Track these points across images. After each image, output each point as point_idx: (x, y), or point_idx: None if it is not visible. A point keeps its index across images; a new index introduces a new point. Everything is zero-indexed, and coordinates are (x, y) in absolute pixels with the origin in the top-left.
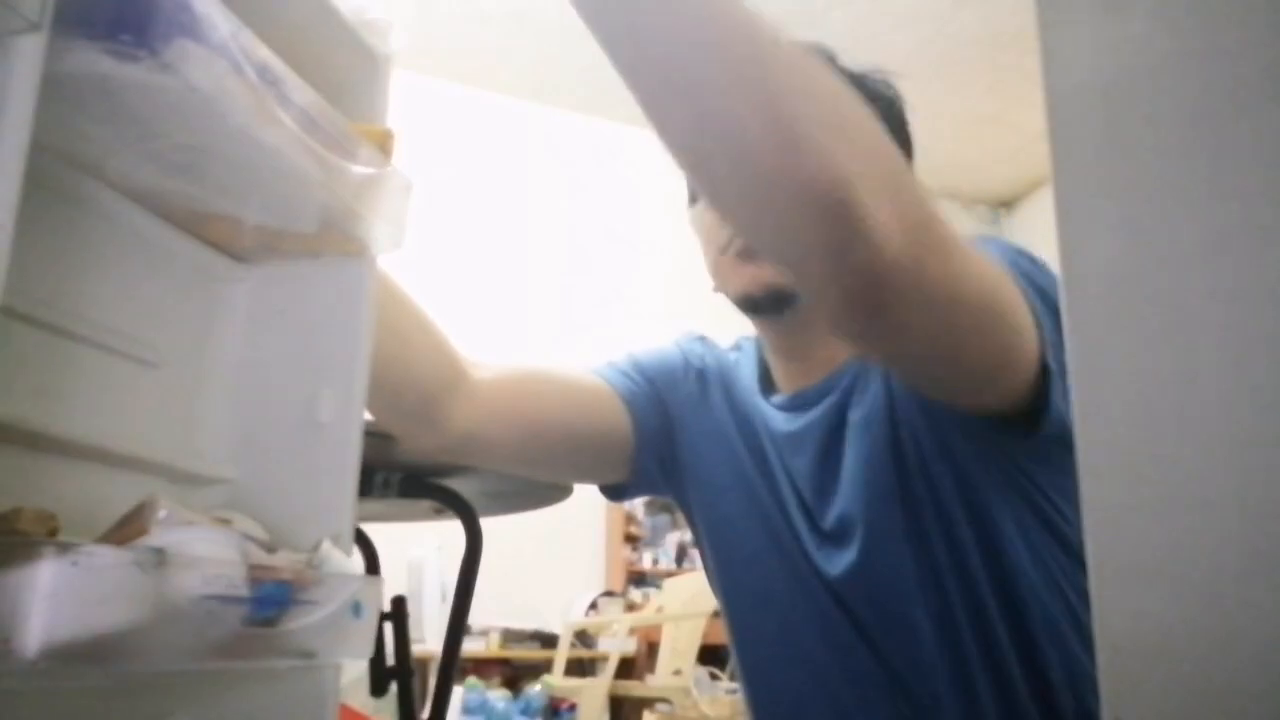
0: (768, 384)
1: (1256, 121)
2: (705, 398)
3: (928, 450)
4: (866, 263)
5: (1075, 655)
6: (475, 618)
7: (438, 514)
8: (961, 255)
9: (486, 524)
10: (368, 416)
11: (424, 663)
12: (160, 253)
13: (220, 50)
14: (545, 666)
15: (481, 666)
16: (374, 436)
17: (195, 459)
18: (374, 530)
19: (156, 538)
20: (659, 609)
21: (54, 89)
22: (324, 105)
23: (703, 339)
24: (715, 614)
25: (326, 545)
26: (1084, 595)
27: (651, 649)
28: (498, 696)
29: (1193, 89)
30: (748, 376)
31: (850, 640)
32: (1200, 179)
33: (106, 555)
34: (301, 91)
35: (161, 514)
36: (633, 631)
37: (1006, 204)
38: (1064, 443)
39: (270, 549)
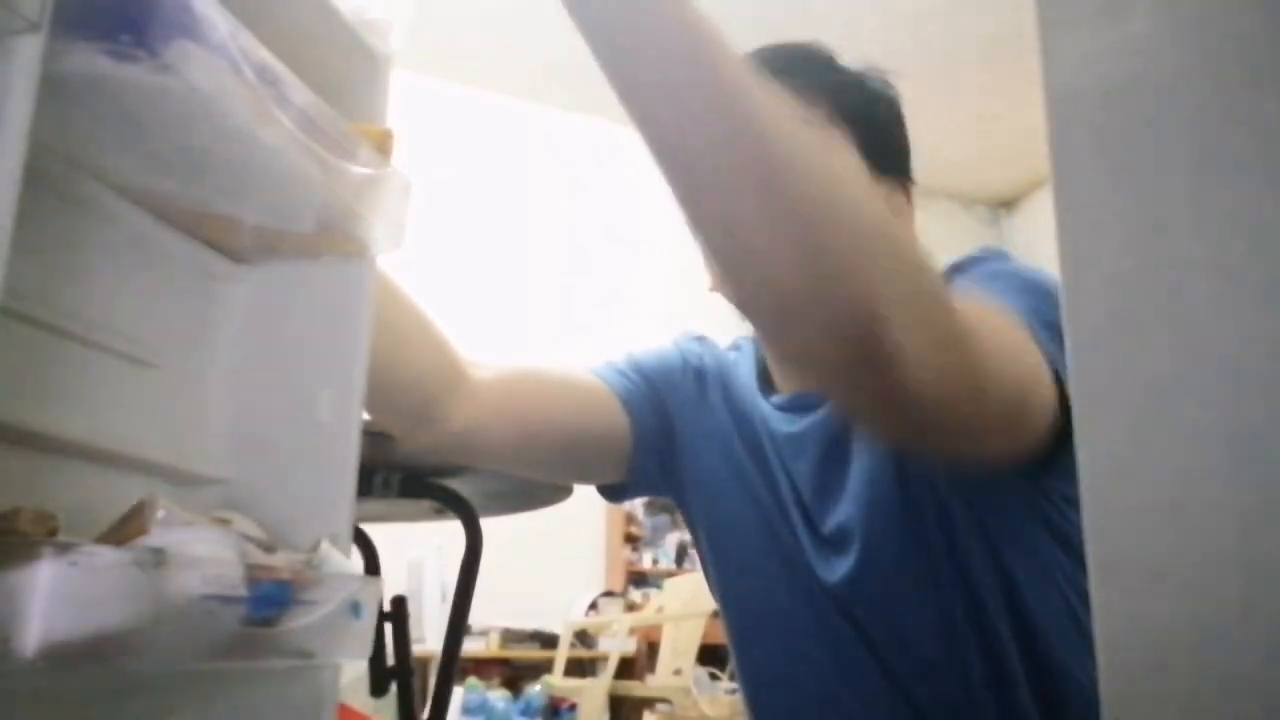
0: (767, 384)
1: (1255, 121)
2: (703, 398)
3: (891, 488)
4: (897, 388)
5: (1078, 657)
6: (475, 618)
7: (438, 514)
8: (992, 360)
9: (486, 524)
10: (366, 416)
11: (424, 663)
12: (159, 253)
13: (219, 51)
14: (545, 666)
15: (481, 666)
16: (373, 436)
17: (194, 459)
18: (374, 530)
19: (155, 538)
20: (659, 609)
21: (53, 89)
22: (323, 106)
23: (701, 339)
24: (715, 614)
25: (325, 545)
26: (1085, 598)
27: (651, 649)
28: (498, 696)
29: (1192, 89)
30: (746, 376)
31: (849, 643)
32: (1200, 179)
33: (106, 555)
34: (301, 92)
35: (160, 514)
36: (633, 631)
37: (1006, 204)
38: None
39: (269, 549)
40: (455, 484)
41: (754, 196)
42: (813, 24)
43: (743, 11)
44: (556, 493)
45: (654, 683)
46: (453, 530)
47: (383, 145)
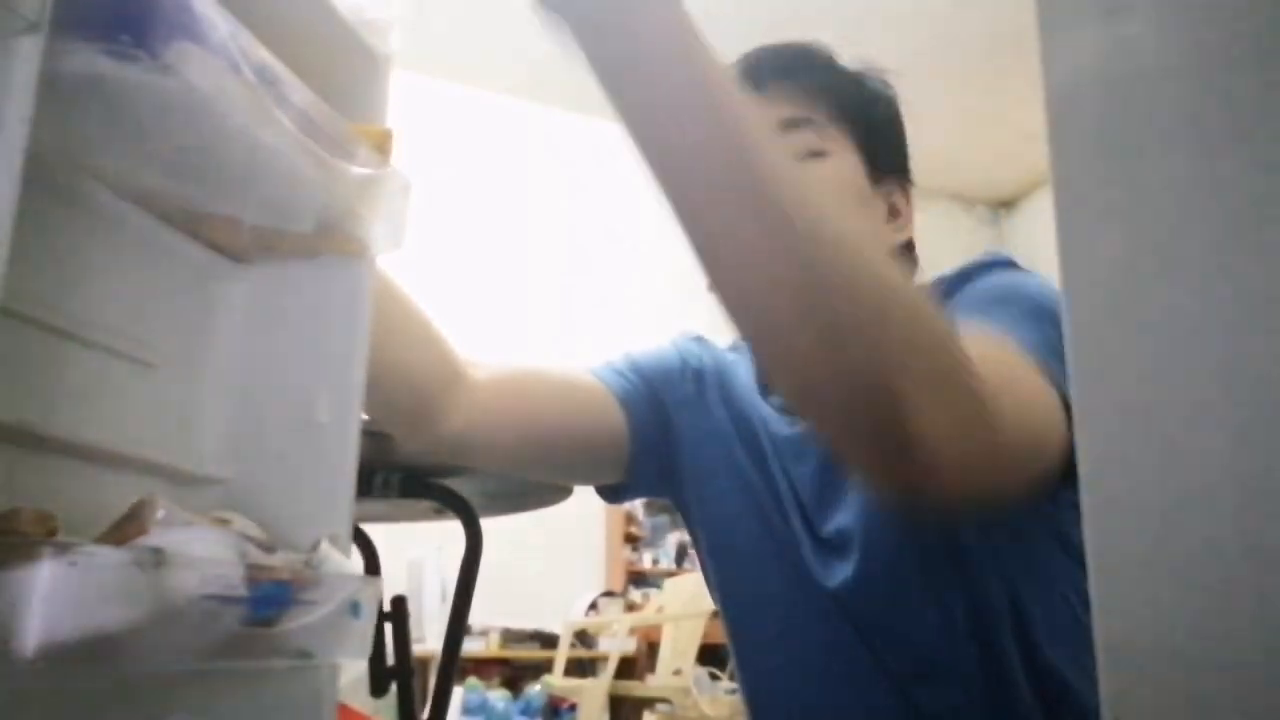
0: (767, 385)
1: (1255, 121)
2: (702, 398)
3: None
4: (916, 467)
5: (1079, 660)
6: (475, 618)
7: (438, 514)
8: (1011, 424)
9: (486, 524)
10: (364, 416)
11: (424, 663)
12: (158, 253)
13: (219, 51)
14: (545, 666)
15: (481, 666)
16: (373, 436)
17: (193, 459)
18: (374, 530)
19: (155, 538)
20: (659, 609)
21: (53, 89)
22: (322, 106)
23: (699, 339)
24: (715, 614)
25: (325, 545)
26: (1086, 599)
27: (651, 649)
28: (498, 696)
29: (1192, 89)
30: (746, 377)
31: (850, 644)
32: (1199, 179)
33: (105, 555)
34: (300, 92)
35: (160, 514)
36: (633, 631)
37: (1006, 204)
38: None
39: (268, 549)
40: (455, 484)
41: (776, 274)
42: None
43: (742, 11)
44: (556, 493)
45: (654, 683)
46: (453, 530)
47: (382, 145)
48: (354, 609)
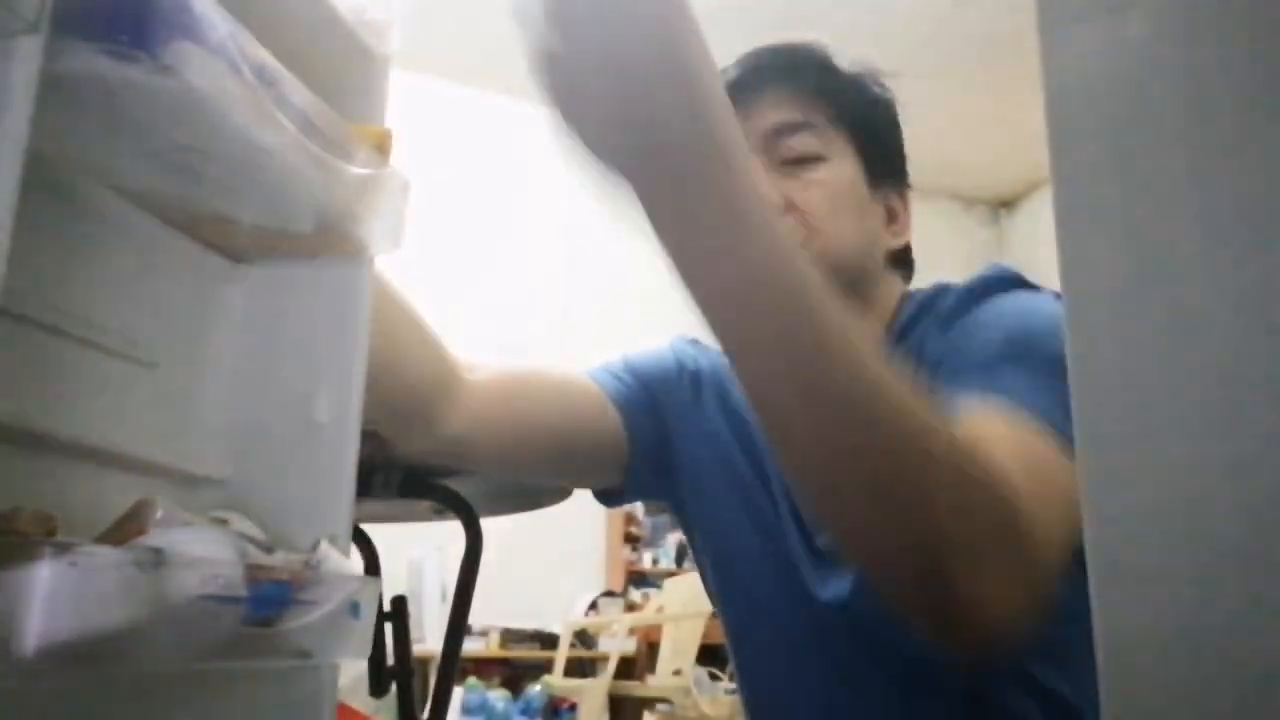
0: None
1: (1256, 122)
2: (699, 401)
3: None
4: (963, 625)
5: (1081, 666)
6: (475, 618)
7: (438, 514)
8: (1055, 546)
9: (486, 524)
10: None
11: (424, 663)
12: (157, 253)
13: (218, 51)
14: (545, 666)
15: (481, 666)
16: (373, 436)
17: (192, 459)
18: (374, 530)
19: (154, 538)
20: (659, 609)
21: (52, 90)
22: (322, 106)
23: (696, 342)
24: (715, 614)
25: (324, 545)
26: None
27: (651, 649)
28: (498, 696)
29: (1192, 90)
30: None
31: (848, 653)
32: (1200, 179)
33: (105, 555)
34: (299, 92)
35: (159, 514)
36: (633, 631)
37: (1006, 204)
38: None
39: (268, 549)
40: (455, 484)
41: (831, 441)
42: (812, 23)
43: (743, 10)
44: (556, 493)
45: (654, 683)
46: (453, 530)
47: (381, 145)
48: (353, 609)
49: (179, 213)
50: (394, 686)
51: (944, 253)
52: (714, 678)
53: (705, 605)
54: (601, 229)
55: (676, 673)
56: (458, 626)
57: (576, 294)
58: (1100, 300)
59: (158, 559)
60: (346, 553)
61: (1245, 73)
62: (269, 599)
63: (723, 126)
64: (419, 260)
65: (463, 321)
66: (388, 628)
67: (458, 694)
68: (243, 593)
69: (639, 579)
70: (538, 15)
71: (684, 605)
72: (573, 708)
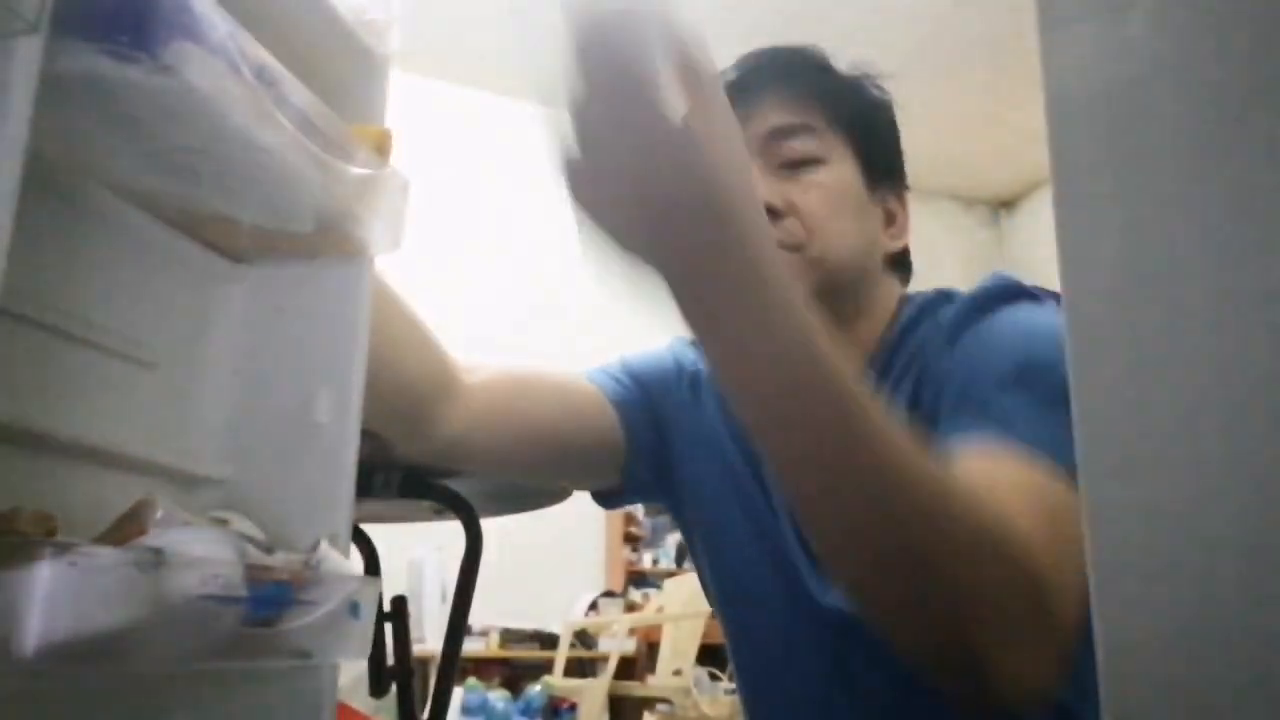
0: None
1: (1256, 122)
2: (698, 403)
3: None
4: (990, 697)
5: (1083, 671)
6: (475, 618)
7: (438, 514)
8: (1075, 604)
9: (486, 524)
10: None
11: (424, 663)
12: (157, 253)
13: (218, 51)
14: (545, 667)
15: (481, 666)
16: (373, 436)
17: (192, 459)
18: (374, 530)
19: (154, 538)
20: (659, 609)
21: (52, 90)
22: (322, 106)
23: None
24: (714, 615)
25: (324, 545)
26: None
27: (651, 649)
28: (498, 697)
29: (1192, 90)
30: None
31: (847, 655)
32: (1200, 179)
33: (105, 556)
34: (299, 92)
35: (159, 514)
36: (633, 631)
37: (1006, 204)
38: None
39: (267, 549)
40: (455, 484)
41: (861, 519)
42: (813, 23)
43: (743, 9)
44: (556, 493)
45: (654, 683)
46: (453, 530)
47: (381, 146)
48: (353, 609)
49: (179, 213)
50: (394, 686)
51: (944, 253)
52: (714, 678)
53: (705, 605)
54: None
55: (676, 673)
56: (458, 626)
57: (576, 295)
58: (1100, 300)
59: (157, 559)
60: (346, 553)
61: (1245, 72)
62: (269, 599)
63: (750, 226)
64: (418, 261)
65: (462, 322)
66: (388, 628)
67: (458, 694)
68: (243, 593)
69: (639, 579)
70: (566, 127)
71: (684, 605)
72: (573, 708)
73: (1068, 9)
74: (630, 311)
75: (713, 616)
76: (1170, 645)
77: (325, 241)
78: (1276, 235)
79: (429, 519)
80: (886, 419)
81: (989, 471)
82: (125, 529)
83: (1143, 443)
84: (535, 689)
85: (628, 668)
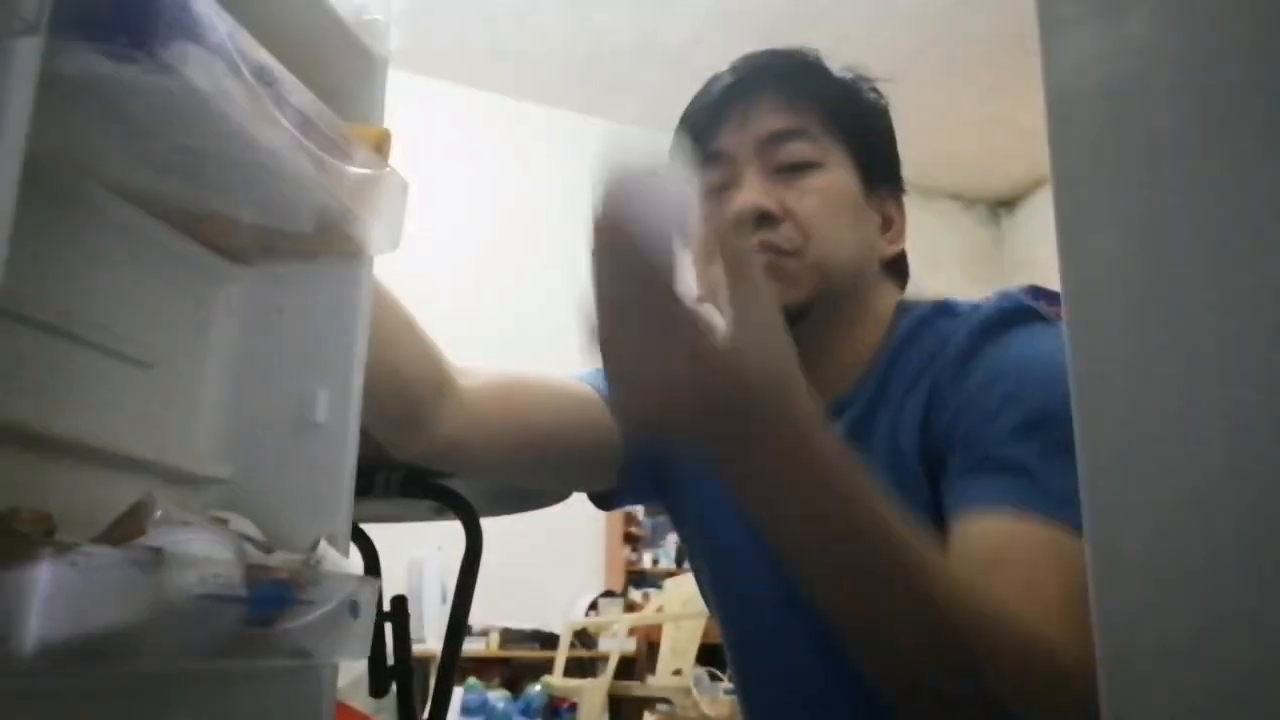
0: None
1: (1255, 122)
2: None
3: (921, 502)
4: None
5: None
6: (475, 618)
7: (438, 514)
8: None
9: (486, 524)
10: None
11: (424, 663)
12: (157, 253)
13: (217, 51)
14: (545, 666)
15: (481, 666)
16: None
17: (191, 459)
18: (374, 530)
19: (153, 538)
20: (659, 609)
21: (51, 90)
22: (321, 106)
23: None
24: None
25: (323, 545)
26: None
27: (651, 649)
28: (498, 696)
29: (1192, 89)
30: None
31: (844, 657)
32: (1199, 179)
33: (104, 555)
34: (299, 92)
35: (158, 514)
36: (633, 631)
37: (1006, 204)
38: None
39: (267, 549)
40: (455, 484)
41: (900, 644)
42: (813, 23)
43: (744, 8)
44: (556, 493)
45: (654, 683)
46: (453, 530)
47: (380, 146)
48: (352, 609)
49: (179, 213)
50: (394, 686)
51: (944, 253)
52: (714, 678)
53: (705, 605)
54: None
55: (676, 673)
56: (458, 626)
57: (573, 296)
58: (1100, 299)
59: (157, 559)
60: (345, 552)
61: (1245, 72)
62: (268, 599)
63: (791, 414)
64: (416, 260)
65: (460, 323)
66: (388, 627)
67: (458, 694)
68: (242, 592)
69: (639, 579)
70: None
71: (684, 605)
72: (573, 708)
73: (1068, 9)
74: None
75: (712, 617)
76: (1170, 645)
77: (324, 241)
78: (1276, 235)
79: (429, 519)
80: (927, 551)
81: (1008, 549)
82: (124, 529)
83: (1143, 442)
84: (535, 689)
85: (628, 668)
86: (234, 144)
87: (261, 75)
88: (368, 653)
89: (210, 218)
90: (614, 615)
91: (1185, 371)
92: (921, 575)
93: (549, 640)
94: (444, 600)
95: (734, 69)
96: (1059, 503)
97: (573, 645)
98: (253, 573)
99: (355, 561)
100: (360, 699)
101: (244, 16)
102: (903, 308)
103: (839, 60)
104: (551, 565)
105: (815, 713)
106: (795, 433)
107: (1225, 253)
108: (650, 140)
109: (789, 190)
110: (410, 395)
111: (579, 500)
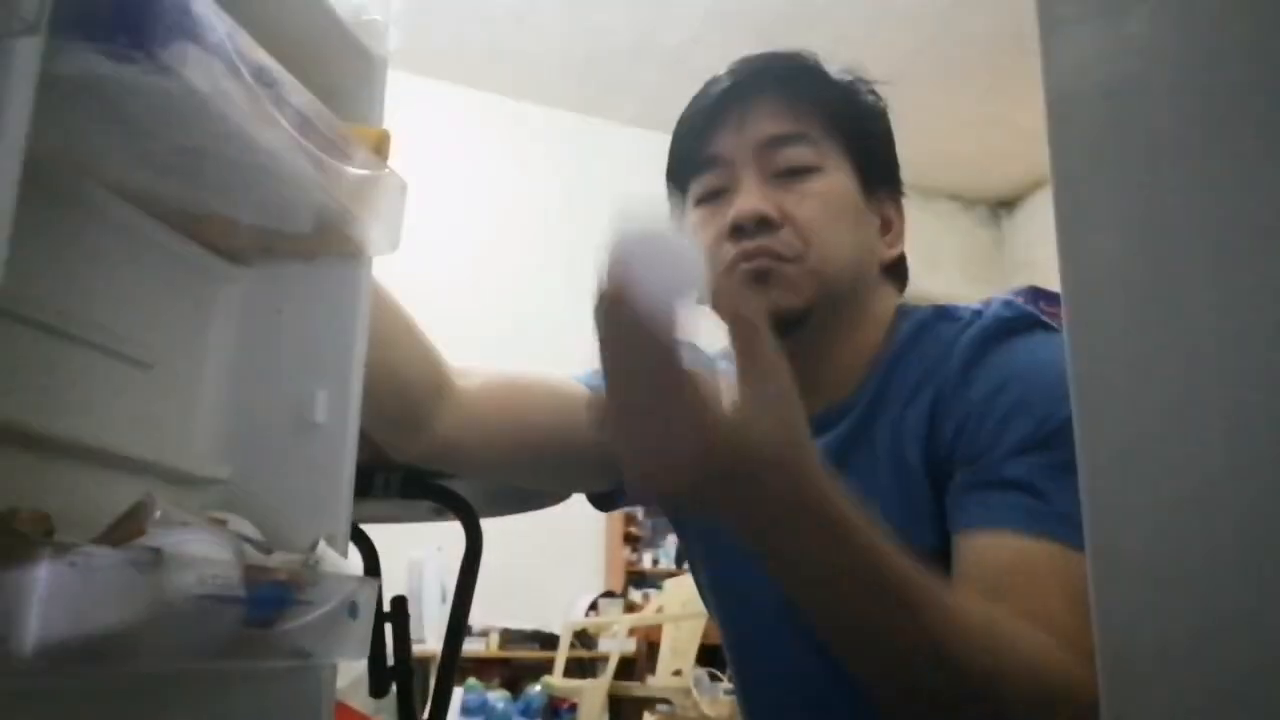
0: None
1: (1255, 122)
2: None
3: (924, 510)
4: None
5: None
6: (475, 618)
7: (438, 514)
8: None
9: (486, 524)
10: None
11: (424, 663)
12: (156, 254)
13: (217, 52)
14: (545, 667)
15: (481, 667)
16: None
17: (190, 459)
18: (374, 530)
19: (152, 538)
20: (659, 609)
21: (51, 91)
22: (320, 107)
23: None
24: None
25: (322, 546)
26: None
27: (651, 649)
28: (498, 697)
29: (1191, 89)
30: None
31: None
32: (1199, 179)
33: (104, 556)
34: (298, 93)
35: (157, 514)
36: (633, 632)
37: (1006, 204)
38: None
39: (266, 549)
40: (455, 484)
41: (915, 687)
42: (812, 23)
43: (745, 8)
44: (556, 493)
45: (654, 683)
46: (453, 530)
47: (379, 146)
48: (351, 609)
49: (178, 213)
50: (394, 686)
51: (944, 253)
52: (714, 678)
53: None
54: (601, 230)
55: (676, 673)
56: (458, 626)
57: (576, 295)
58: (1100, 299)
59: (156, 559)
60: (344, 553)
61: (1245, 72)
62: (267, 599)
63: (802, 481)
64: (415, 261)
65: (458, 323)
66: (388, 628)
67: (458, 694)
68: (241, 593)
69: (639, 579)
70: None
71: (684, 605)
72: (573, 708)
73: (1068, 9)
74: None
75: (711, 618)
76: (1170, 646)
77: (323, 242)
78: (1276, 235)
79: (429, 519)
80: (939, 595)
81: (1015, 571)
82: (123, 529)
83: (1143, 442)
84: (535, 689)
85: (628, 668)
86: (233, 144)
87: (260, 76)
88: (366, 653)
89: (209, 218)
90: (614, 616)
91: (1185, 371)
92: (933, 621)
93: (549, 641)
94: (444, 600)
95: (731, 72)
96: (1066, 522)
97: (573, 646)
98: (252, 573)
99: (354, 562)
100: (360, 699)
101: (243, 17)
102: (902, 311)
103: (837, 61)
104: (551, 565)
105: (815, 713)
106: (803, 501)
107: (1225, 253)
108: (656, 204)
109: (788, 195)
110: (408, 396)
111: (579, 500)
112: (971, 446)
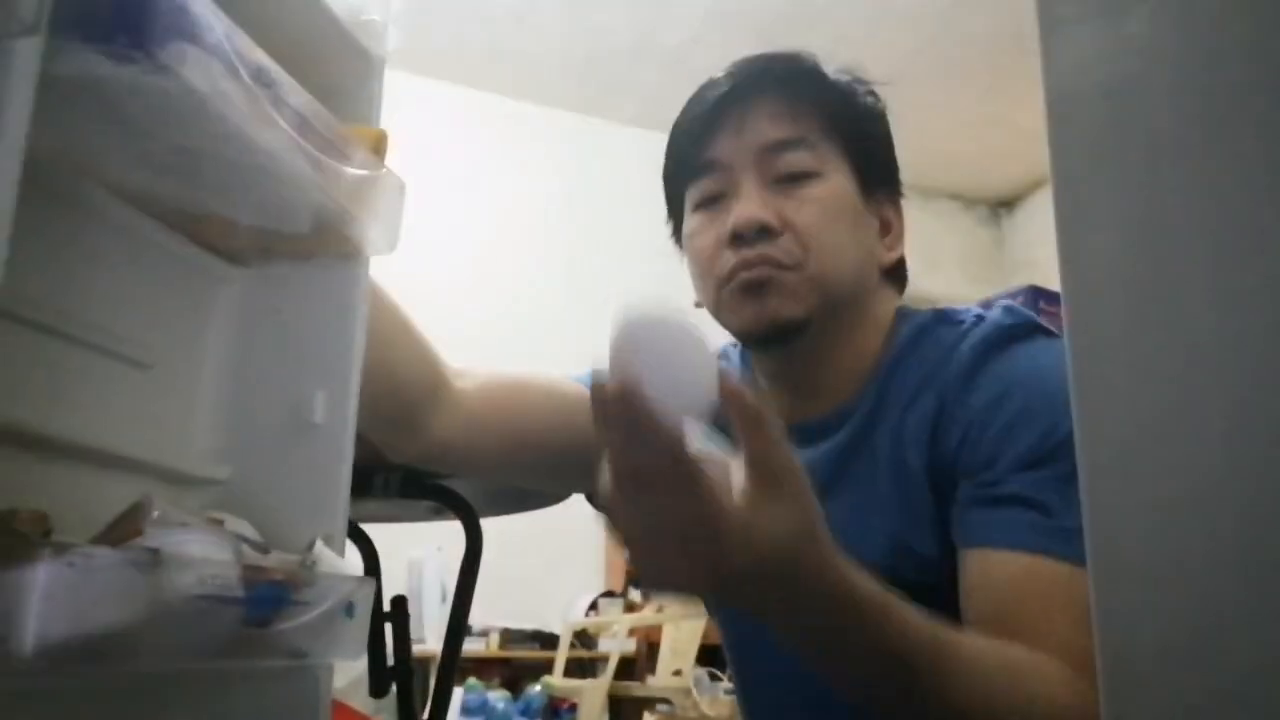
0: None
1: (1254, 121)
2: None
3: (924, 515)
4: None
5: None
6: (475, 618)
7: (438, 514)
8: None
9: (486, 524)
10: None
11: (424, 663)
12: (154, 254)
13: (215, 52)
14: (545, 667)
15: (481, 667)
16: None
17: (188, 459)
18: (374, 530)
19: (151, 538)
20: (659, 609)
21: (50, 91)
22: (318, 107)
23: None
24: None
25: (319, 546)
26: None
27: (651, 649)
28: (498, 697)
29: (1191, 89)
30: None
31: None
32: (1198, 179)
33: (102, 556)
34: (296, 93)
35: (155, 514)
36: (633, 632)
37: (1006, 204)
38: None
39: (263, 550)
40: (455, 484)
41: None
42: (812, 23)
43: (745, 7)
44: (556, 493)
45: (654, 683)
46: (453, 530)
47: (378, 147)
48: (348, 610)
49: (176, 213)
50: (394, 687)
51: (944, 253)
52: (714, 678)
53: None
54: (601, 230)
55: (676, 673)
56: (458, 626)
57: (575, 296)
58: (1100, 299)
59: (154, 559)
60: (342, 553)
61: (1245, 72)
62: (265, 599)
63: (813, 559)
64: (414, 261)
65: (456, 323)
66: (388, 628)
67: (458, 694)
68: (239, 593)
69: (639, 579)
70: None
71: (684, 605)
72: (573, 708)
73: (1068, 9)
74: None
75: (711, 618)
76: (1170, 647)
77: (322, 242)
78: (1276, 235)
79: (429, 519)
80: (958, 650)
81: (1022, 592)
82: (122, 529)
83: (1143, 442)
84: (535, 689)
85: (628, 668)
86: (231, 145)
87: (259, 76)
88: (364, 653)
89: (208, 218)
90: (614, 615)
91: (1185, 371)
92: (950, 677)
93: (549, 640)
94: (444, 600)
95: (730, 74)
96: (1073, 537)
97: (573, 645)
98: (249, 573)
99: (351, 562)
100: (360, 699)
101: (241, 17)
102: (902, 314)
103: (836, 61)
104: (551, 565)
105: (814, 713)
106: (820, 589)
107: (1225, 253)
108: (662, 302)
109: (788, 201)
110: (406, 397)
111: (579, 500)
112: (975, 456)
